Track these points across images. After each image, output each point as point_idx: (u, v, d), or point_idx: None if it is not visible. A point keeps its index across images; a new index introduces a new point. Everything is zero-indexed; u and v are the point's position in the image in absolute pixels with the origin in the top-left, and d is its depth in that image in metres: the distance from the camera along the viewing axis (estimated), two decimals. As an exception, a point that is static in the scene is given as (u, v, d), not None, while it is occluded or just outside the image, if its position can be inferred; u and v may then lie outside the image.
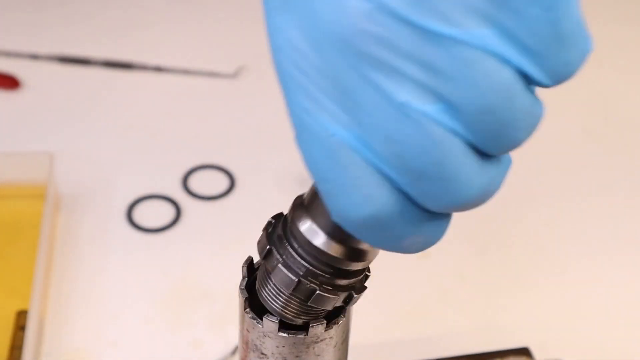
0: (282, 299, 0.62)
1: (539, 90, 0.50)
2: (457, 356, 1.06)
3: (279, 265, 0.60)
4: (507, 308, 1.15)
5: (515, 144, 0.52)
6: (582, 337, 1.12)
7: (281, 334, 0.65)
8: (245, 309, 0.66)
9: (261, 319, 0.64)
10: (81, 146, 1.33)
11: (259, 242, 0.62)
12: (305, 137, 0.46)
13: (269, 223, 0.62)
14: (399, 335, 1.11)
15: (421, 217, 0.51)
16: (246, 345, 0.69)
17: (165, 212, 1.25)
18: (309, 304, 0.61)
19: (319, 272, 0.59)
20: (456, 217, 1.29)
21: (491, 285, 1.17)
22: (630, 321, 1.15)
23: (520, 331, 1.12)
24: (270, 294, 0.63)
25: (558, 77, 0.48)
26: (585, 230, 1.25)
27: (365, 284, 0.63)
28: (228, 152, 1.34)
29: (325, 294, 0.60)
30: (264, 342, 0.67)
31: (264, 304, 0.64)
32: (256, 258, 0.65)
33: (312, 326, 0.65)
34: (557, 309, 1.15)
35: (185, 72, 1.46)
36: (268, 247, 0.61)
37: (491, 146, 0.50)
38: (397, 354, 1.09)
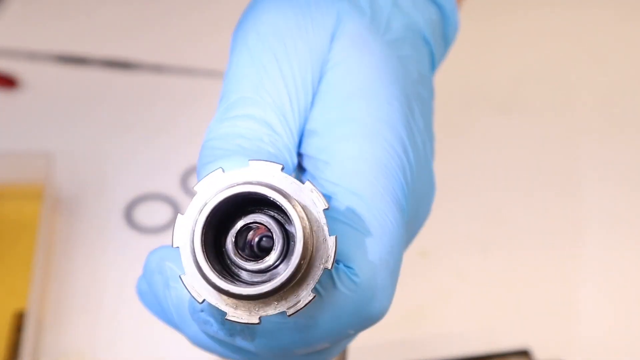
0: None
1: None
2: (457, 358, 1.06)
3: None
4: (507, 308, 1.15)
5: None
6: (582, 337, 1.12)
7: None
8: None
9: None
10: (80, 146, 1.33)
11: None
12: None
13: None
14: (399, 335, 1.11)
15: None
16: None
17: (163, 213, 1.24)
18: None
19: None
20: (456, 217, 1.29)
21: (491, 285, 1.17)
22: (630, 321, 1.14)
23: (520, 331, 1.11)
24: None
25: None
26: (586, 231, 1.25)
27: None
28: (227, 151, 1.33)
29: None
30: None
31: None
32: None
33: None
34: (557, 309, 1.15)
35: (184, 71, 1.46)
36: None
37: None
38: (397, 354, 1.08)
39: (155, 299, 0.65)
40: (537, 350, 1.07)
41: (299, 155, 0.65)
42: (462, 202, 1.25)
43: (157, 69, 1.46)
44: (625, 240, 1.24)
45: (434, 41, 0.71)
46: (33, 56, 1.47)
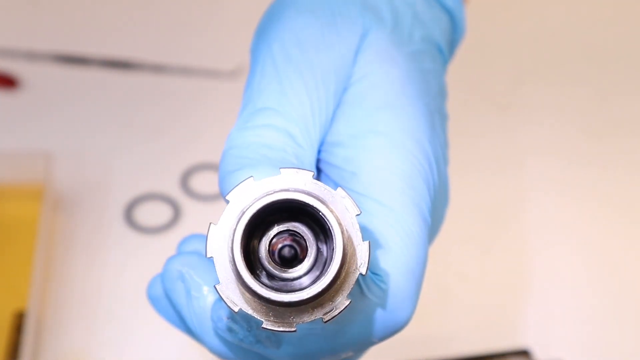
0: None
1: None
2: (457, 358, 1.06)
3: None
4: (507, 308, 1.15)
5: None
6: (582, 337, 1.12)
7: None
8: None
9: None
10: (80, 146, 1.33)
11: None
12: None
13: None
14: (399, 335, 1.11)
15: None
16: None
17: (163, 213, 1.24)
18: None
19: None
20: (457, 217, 1.29)
21: (491, 285, 1.17)
22: (630, 322, 1.14)
23: (520, 331, 1.11)
24: None
25: None
26: (585, 231, 1.25)
27: None
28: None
29: None
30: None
31: None
32: None
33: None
34: (557, 309, 1.15)
35: (184, 70, 1.46)
36: None
37: None
38: (397, 354, 1.08)
39: (173, 306, 0.65)
40: (537, 350, 1.07)
41: (318, 161, 0.65)
42: (462, 202, 1.25)
43: (157, 69, 1.46)
44: (626, 240, 1.24)
45: (446, 50, 0.71)
46: (33, 56, 1.47)
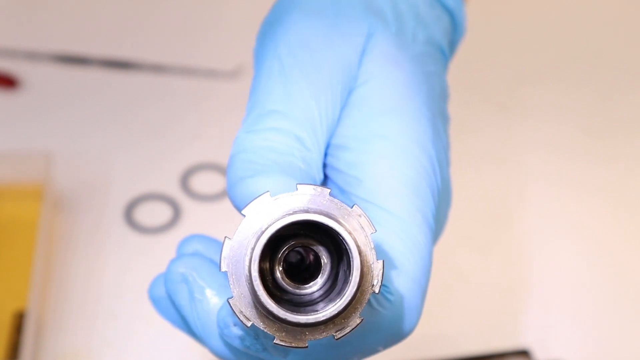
0: None
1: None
2: (457, 358, 1.06)
3: None
4: (507, 308, 1.15)
5: None
6: (582, 337, 1.12)
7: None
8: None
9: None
10: (80, 146, 1.33)
11: None
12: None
13: None
14: (398, 336, 1.11)
15: None
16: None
17: (163, 213, 1.24)
18: None
19: None
20: (456, 217, 1.29)
21: (491, 285, 1.17)
22: (630, 321, 1.14)
23: (520, 331, 1.11)
24: None
25: None
26: (585, 231, 1.25)
27: None
28: (227, 151, 1.33)
29: None
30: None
31: None
32: None
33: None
34: (557, 309, 1.15)
35: (184, 70, 1.46)
36: None
37: None
38: (397, 354, 1.08)
39: (175, 308, 0.65)
40: (537, 350, 1.07)
41: (323, 165, 0.65)
42: (462, 202, 1.25)
43: (157, 69, 1.46)
44: (627, 240, 1.24)
45: (447, 51, 0.71)
46: (33, 56, 1.47)
